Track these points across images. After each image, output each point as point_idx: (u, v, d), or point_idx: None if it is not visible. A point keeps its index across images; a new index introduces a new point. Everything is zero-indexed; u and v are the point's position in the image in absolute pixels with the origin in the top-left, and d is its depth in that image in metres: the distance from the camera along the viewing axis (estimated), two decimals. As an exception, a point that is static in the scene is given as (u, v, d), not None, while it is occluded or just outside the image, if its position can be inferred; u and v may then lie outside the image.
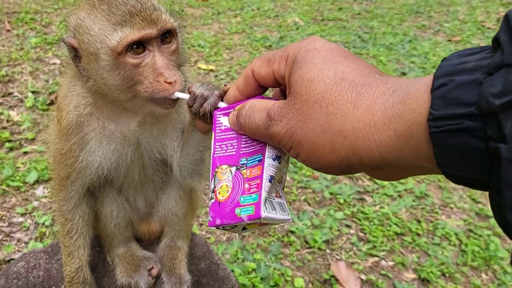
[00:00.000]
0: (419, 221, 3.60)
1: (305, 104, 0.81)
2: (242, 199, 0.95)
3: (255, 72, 0.96)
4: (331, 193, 3.81)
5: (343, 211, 3.63)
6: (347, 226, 3.51)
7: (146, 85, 1.23)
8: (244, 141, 1.00)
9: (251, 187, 0.95)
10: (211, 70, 5.90)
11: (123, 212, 1.69)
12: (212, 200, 0.99)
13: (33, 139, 4.21)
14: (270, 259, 3.14)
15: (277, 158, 0.97)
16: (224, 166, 1.01)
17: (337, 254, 3.25)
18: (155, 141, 1.47)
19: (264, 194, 0.92)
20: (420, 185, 3.97)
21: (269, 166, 0.95)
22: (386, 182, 3.97)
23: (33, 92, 4.94)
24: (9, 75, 5.28)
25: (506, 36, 0.60)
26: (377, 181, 4.00)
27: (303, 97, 0.82)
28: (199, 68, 5.93)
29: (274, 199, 0.97)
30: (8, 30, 6.65)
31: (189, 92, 1.16)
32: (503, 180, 0.58)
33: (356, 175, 4.06)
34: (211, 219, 0.98)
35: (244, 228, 0.99)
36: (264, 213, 0.91)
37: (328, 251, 3.27)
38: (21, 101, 4.82)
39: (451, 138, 0.64)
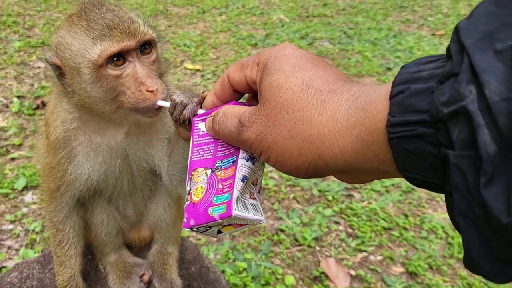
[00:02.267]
0: (406, 216, 3.67)
1: (273, 110, 0.84)
2: (215, 198, 0.97)
3: (230, 77, 0.99)
4: (319, 191, 3.86)
5: (331, 208, 3.68)
6: (336, 222, 3.56)
7: (128, 95, 1.25)
8: (220, 144, 1.03)
9: (224, 187, 0.97)
10: (198, 70, 5.90)
11: (113, 221, 1.72)
12: (187, 202, 1.02)
13: (20, 145, 4.19)
14: (261, 258, 3.17)
15: (251, 159, 0.99)
16: (200, 169, 1.03)
17: (326, 251, 3.30)
18: (142, 151, 1.50)
19: (236, 193, 0.95)
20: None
21: (242, 166, 0.98)
22: (373, 178, 4.03)
23: (18, 97, 4.91)
24: (-7, 80, 5.24)
25: (455, 47, 0.63)
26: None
27: (271, 103, 0.85)
28: (186, 68, 5.93)
29: (247, 200, 0.99)
30: (-9, 34, 6.57)
31: (170, 100, 1.19)
32: (451, 184, 0.61)
33: (344, 171, 4.11)
34: (185, 220, 1.00)
35: (219, 232, 1.01)
36: (235, 211, 0.93)
37: (317, 248, 3.32)
38: (6, 106, 4.79)
39: (407, 144, 0.67)
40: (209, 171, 1.02)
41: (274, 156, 0.86)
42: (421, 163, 0.68)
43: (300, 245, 3.32)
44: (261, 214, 1.00)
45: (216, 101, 1.05)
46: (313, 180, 3.95)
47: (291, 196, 3.79)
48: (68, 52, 1.27)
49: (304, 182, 3.91)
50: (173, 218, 1.77)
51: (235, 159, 0.99)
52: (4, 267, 2.93)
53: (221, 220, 0.95)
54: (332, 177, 4.03)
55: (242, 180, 0.97)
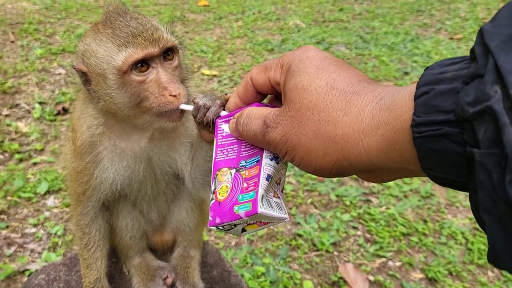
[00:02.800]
0: (425, 221, 3.64)
1: (298, 111, 0.87)
2: (240, 197, 1.00)
3: (253, 79, 1.02)
4: (337, 196, 3.86)
5: (349, 213, 3.67)
6: (354, 227, 3.55)
7: (152, 100, 1.29)
8: (244, 145, 1.06)
9: (249, 185, 1.00)
10: (215, 75, 5.95)
11: (138, 225, 1.75)
12: (212, 201, 1.05)
13: (42, 150, 4.28)
14: (279, 262, 3.18)
15: (275, 158, 1.02)
16: (225, 169, 1.06)
17: (344, 256, 3.30)
18: (165, 156, 1.53)
19: (261, 191, 0.97)
20: (426, 185, 4.01)
21: (266, 165, 1.00)
22: (391, 183, 4.02)
23: (40, 103, 5.01)
24: (15, 86, 5.35)
25: (479, 49, 0.65)
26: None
27: (296, 105, 0.88)
28: (203, 74, 5.99)
29: (271, 198, 1.01)
30: (12, 41, 6.73)
31: (193, 103, 1.22)
32: (477, 182, 0.63)
33: (362, 176, 4.10)
34: (211, 219, 1.03)
35: (243, 230, 1.03)
36: (260, 209, 0.95)
37: (335, 253, 3.32)
38: (29, 112, 4.89)
39: (432, 143, 0.70)
40: (233, 171, 1.05)
41: (299, 156, 0.89)
42: (445, 162, 0.70)
43: (318, 250, 3.32)
44: (285, 212, 1.03)
45: (239, 103, 1.08)
46: (331, 185, 3.95)
47: (309, 201, 3.80)
48: (94, 59, 1.31)
49: (321, 187, 3.92)
50: (195, 222, 1.81)
51: (259, 158, 1.01)
52: (27, 269, 2.99)
53: (246, 218, 0.97)
54: (349, 182, 4.03)
55: (267, 179, 0.99)
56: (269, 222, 1.02)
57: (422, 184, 4.06)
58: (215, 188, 1.05)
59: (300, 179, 4.00)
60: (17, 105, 5.00)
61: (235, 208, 0.99)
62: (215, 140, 1.11)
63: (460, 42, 7.23)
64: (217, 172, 1.07)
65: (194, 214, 1.79)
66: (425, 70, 0.76)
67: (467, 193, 0.71)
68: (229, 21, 8.15)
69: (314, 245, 3.36)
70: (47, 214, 3.50)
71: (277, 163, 1.02)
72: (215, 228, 1.03)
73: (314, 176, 4.05)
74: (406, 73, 6.10)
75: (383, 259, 3.29)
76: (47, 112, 4.82)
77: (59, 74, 5.79)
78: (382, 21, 8.18)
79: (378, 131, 0.78)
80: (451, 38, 7.38)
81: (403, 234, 3.50)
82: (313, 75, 0.88)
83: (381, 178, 0.90)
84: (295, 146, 0.88)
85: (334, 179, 4.04)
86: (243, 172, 1.03)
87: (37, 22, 7.60)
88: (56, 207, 3.59)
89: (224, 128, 1.10)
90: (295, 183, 3.98)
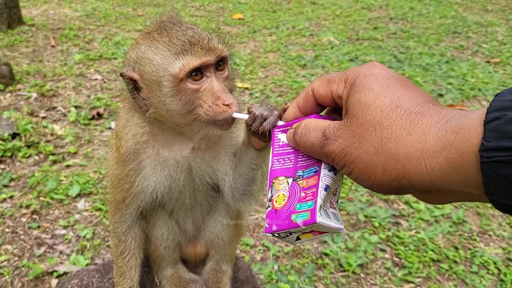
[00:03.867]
0: (456, 248, 3.54)
1: (360, 126, 0.88)
2: (298, 206, 1.01)
3: (315, 91, 1.03)
4: (365, 216, 3.79)
5: (378, 234, 3.60)
6: (382, 250, 3.48)
7: (206, 109, 1.31)
8: (301, 155, 1.07)
9: (307, 195, 1.01)
10: (246, 88, 5.99)
11: (173, 235, 1.76)
12: (269, 208, 1.06)
13: (75, 153, 4.37)
14: (304, 281, 3.14)
15: (333, 169, 1.02)
16: (281, 178, 1.08)
17: (371, 279, 3.23)
18: (207, 166, 1.54)
19: (319, 201, 0.98)
20: (458, 211, 3.90)
21: (325, 176, 1.01)
22: (422, 206, 3.93)
23: (75, 107, 5.14)
24: (53, 89, 5.51)
25: None
26: (413, 205, 3.95)
27: (359, 120, 0.88)
28: (236, 88, 6.02)
29: (328, 209, 1.02)
30: (53, 46, 6.95)
31: (249, 113, 1.23)
32: None
33: (391, 198, 4.03)
34: (267, 226, 1.04)
35: (298, 238, 1.04)
36: (319, 219, 0.96)
37: (362, 275, 3.25)
38: (64, 115, 5.01)
39: (500, 168, 0.69)
40: (290, 180, 1.06)
41: (357, 170, 0.89)
42: None
43: (344, 271, 3.26)
44: (341, 223, 1.03)
45: (298, 113, 1.09)
46: (359, 205, 3.89)
47: (337, 220, 3.74)
48: (149, 66, 1.33)
49: (350, 207, 3.86)
50: (230, 236, 1.80)
51: (317, 169, 1.02)
52: (55, 271, 3.03)
53: (304, 227, 0.98)
54: (379, 203, 3.96)
55: (325, 190, 1.00)
56: (325, 232, 1.02)
57: (454, 209, 3.95)
58: (271, 196, 1.07)
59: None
60: (54, 108, 5.14)
61: (293, 216, 1.00)
62: (271, 149, 1.13)
63: (497, 66, 7.07)
64: (273, 181, 1.09)
65: (229, 228, 1.78)
66: (495, 96, 0.76)
67: (500, 222, 0.69)
68: (263, 35, 8.21)
69: (341, 265, 3.30)
70: (77, 216, 3.56)
71: (335, 174, 1.03)
72: (270, 235, 1.04)
73: (342, 195, 4.00)
74: (441, 95, 5.99)
75: (411, 285, 3.20)
76: (82, 116, 4.93)
77: (95, 79, 5.93)
78: (417, 41, 8.10)
79: (442, 152, 0.78)
80: (488, 62, 7.24)
81: (433, 260, 3.41)
82: (378, 92, 0.88)
83: (438, 199, 0.90)
84: (354, 160, 0.89)
85: (363, 199, 3.98)
86: (301, 181, 1.04)
87: (77, 28, 7.83)
88: (86, 210, 3.64)
89: (281, 137, 1.12)
90: (323, 201, 3.93)
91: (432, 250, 3.48)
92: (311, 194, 1.00)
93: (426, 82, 6.36)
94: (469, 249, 3.55)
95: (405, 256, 3.40)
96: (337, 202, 1.07)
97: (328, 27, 8.84)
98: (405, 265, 3.34)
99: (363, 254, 3.40)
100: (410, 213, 3.87)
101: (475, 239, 3.64)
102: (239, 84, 6.03)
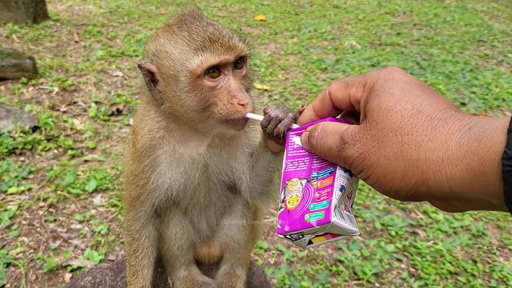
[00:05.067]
0: (475, 261, 3.45)
1: (380, 131, 0.86)
2: (311, 206, 0.98)
3: (332, 94, 1.01)
4: (382, 224, 3.73)
5: (394, 243, 3.54)
6: (398, 260, 3.41)
7: (220, 107, 1.30)
8: (316, 158, 1.04)
9: (322, 195, 0.98)
10: (266, 90, 5.96)
11: (187, 235, 1.74)
12: (282, 209, 1.03)
13: (93, 148, 4.40)
14: (318, 287, 3.09)
15: (349, 171, 0.99)
16: (295, 179, 1.05)
17: (386, 289, 3.17)
18: (224, 164, 1.52)
19: (334, 201, 0.95)
20: (478, 223, 3.81)
21: (340, 176, 0.98)
22: (440, 217, 3.85)
23: (96, 103, 5.18)
24: (75, 84, 5.56)
25: None
26: (432, 215, 3.87)
27: (379, 124, 0.86)
28: (254, 87, 6.01)
29: (343, 211, 0.99)
30: (76, 42, 7.03)
31: (264, 114, 1.21)
32: None
33: (409, 207, 3.96)
34: (279, 227, 1.02)
35: (310, 242, 1.01)
36: (333, 218, 0.93)
37: (377, 284, 3.19)
38: (85, 110, 5.06)
39: None
40: (304, 181, 1.03)
41: (375, 175, 0.87)
42: None
43: (359, 279, 3.21)
44: (356, 227, 0.99)
45: (313, 116, 1.07)
46: (376, 213, 3.83)
47: (353, 226, 3.69)
48: (167, 60, 1.31)
49: (366, 214, 3.80)
50: (245, 240, 1.77)
51: (332, 170, 0.99)
52: (69, 265, 3.05)
53: (318, 227, 0.95)
54: (396, 211, 3.89)
55: (340, 190, 0.97)
56: (338, 235, 0.99)
57: (474, 221, 3.86)
58: (284, 197, 1.05)
59: (345, 203, 3.90)
60: (74, 103, 5.19)
61: (306, 216, 0.97)
62: (285, 152, 1.11)
63: (523, 77, 6.92)
64: (286, 182, 1.06)
65: (245, 231, 1.76)
66: None
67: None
68: (284, 37, 8.18)
69: (355, 273, 3.25)
70: (93, 212, 3.57)
71: (350, 175, 1.00)
72: (282, 236, 1.02)
73: (359, 202, 3.94)
74: (463, 104, 5.88)
75: (427, 297, 3.13)
76: (102, 112, 4.97)
77: (116, 76, 5.98)
78: (441, 49, 7.97)
79: (463, 160, 0.77)
80: (514, 72, 7.08)
81: (450, 272, 3.33)
82: (399, 97, 0.86)
83: (455, 207, 0.88)
84: (372, 165, 0.87)
85: (380, 207, 3.92)
86: (315, 182, 1.01)
87: (101, 24, 7.92)
88: (102, 206, 3.66)
89: (296, 140, 1.10)
90: (339, 207, 3.88)
91: (450, 262, 3.40)
92: (326, 194, 0.97)
93: (449, 90, 6.25)
94: (488, 263, 3.46)
95: (421, 267, 3.33)
96: (351, 206, 1.04)
97: (350, 31, 8.76)
98: (422, 276, 3.26)
99: (379, 263, 3.34)
100: (428, 223, 3.80)
101: (494, 253, 3.55)
102: (259, 86, 6.01)
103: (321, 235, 0.99)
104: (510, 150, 0.70)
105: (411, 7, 11.01)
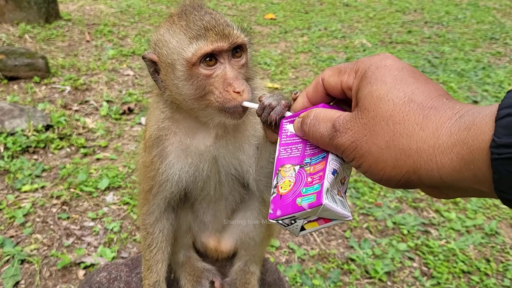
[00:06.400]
0: (488, 260, 3.42)
1: (372, 120, 0.86)
2: (304, 190, 0.98)
3: (325, 80, 1.01)
4: (394, 223, 3.71)
5: (406, 242, 3.52)
6: (410, 258, 3.40)
7: (216, 95, 1.31)
8: (309, 144, 1.04)
9: (314, 179, 0.98)
10: (276, 88, 5.96)
11: (183, 216, 1.75)
12: (274, 195, 1.03)
13: (105, 147, 4.43)
14: (329, 286, 3.09)
15: None
16: (288, 165, 1.05)
17: None
18: (232, 157, 1.53)
19: (326, 183, 0.95)
20: (491, 222, 3.78)
21: (332, 160, 0.98)
22: (453, 216, 3.82)
23: (107, 101, 5.22)
24: (86, 83, 5.61)
25: None
26: (444, 214, 3.85)
27: (370, 113, 0.86)
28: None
29: (335, 195, 0.98)
30: (88, 41, 7.08)
31: (259, 102, 1.21)
32: None
33: (422, 206, 3.94)
34: (271, 212, 1.02)
35: (302, 229, 1.01)
36: (325, 200, 0.92)
37: (389, 283, 3.18)
38: (96, 109, 5.10)
39: (511, 165, 0.69)
40: (297, 167, 1.03)
41: (366, 164, 0.87)
42: None
43: (371, 277, 3.20)
44: (349, 211, 0.99)
45: (306, 103, 1.06)
46: (388, 211, 3.81)
47: (364, 225, 3.68)
48: (165, 49, 1.34)
49: (378, 212, 3.79)
50: (262, 237, 1.78)
51: (325, 155, 0.99)
52: (82, 262, 3.07)
53: (310, 210, 0.95)
54: (408, 210, 3.87)
55: (333, 173, 0.97)
56: (331, 220, 0.98)
57: (487, 220, 3.83)
58: (277, 183, 1.05)
59: (357, 202, 3.89)
60: (86, 102, 5.23)
61: (298, 200, 0.97)
62: (278, 139, 1.11)
63: (537, 74, 6.83)
64: (279, 168, 1.06)
65: (261, 228, 1.76)
66: (507, 92, 0.75)
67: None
68: (295, 35, 8.17)
69: (367, 272, 3.24)
70: (105, 209, 3.60)
71: (343, 160, 0.99)
72: (274, 221, 1.02)
73: (371, 200, 3.93)
74: (476, 102, 5.83)
75: (440, 296, 3.12)
76: (113, 110, 5.00)
77: (128, 75, 6.01)
78: (453, 46, 7.90)
79: (454, 149, 0.77)
80: (527, 69, 7.00)
81: (463, 271, 3.30)
82: (391, 85, 0.86)
83: (446, 194, 0.88)
84: (364, 153, 0.87)
85: (392, 205, 3.90)
86: (308, 168, 1.01)
87: (112, 24, 7.97)
88: (115, 203, 3.69)
89: (289, 128, 1.10)
90: (351, 205, 3.87)
91: (463, 261, 3.38)
92: (318, 178, 0.97)
93: (461, 89, 6.20)
94: (502, 262, 3.43)
95: (434, 266, 3.31)
96: (345, 192, 1.04)
97: (360, 30, 8.72)
98: (434, 275, 3.25)
99: (391, 261, 3.32)
100: (440, 222, 3.77)
101: (508, 252, 3.51)
102: (269, 84, 6.01)
103: (313, 221, 0.98)
104: (498, 138, 0.70)
105: (422, 5, 10.93)
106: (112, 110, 5.03)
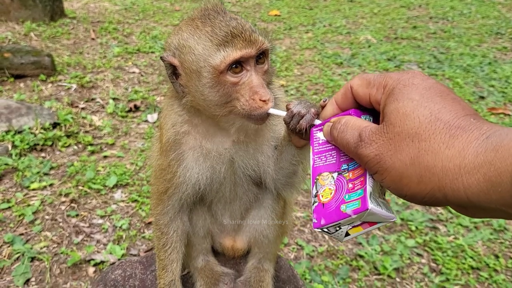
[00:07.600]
0: (497, 256, 3.42)
1: (397, 135, 0.86)
2: (346, 196, 0.99)
3: (353, 88, 1.02)
4: (402, 219, 3.71)
5: (414, 238, 3.51)
6: (419, 255, 3.39)
7: (242, 102, 1.30)
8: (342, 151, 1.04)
9: (355, 185, 0.98)
10: (282, 85, 5.94)
11: (202, 221, 1.75)
12: (315, 204, 1.04)
13: (112, 144, 4.44)
14: (338, 282, 3.09)
15: None
16: (325, 173, 1.05)
17: (407, 284, 3.15)
18: (250, 158, 1.53)
19: (369, 188, 0.95)
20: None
21: None
22: (461, 212, 3.81)
23: (113, 99, 5.23)
24: (92, 81, 5.62)
25: None
26: (452, 210, 3.83)
27: (396, 128, 0.86)
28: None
29: (377, 198, 0.98)
30: (93, 39, 7.09)
31: (287, 110, 1.22)
32: None
33: (429, 202, 3.93)
34: (315, 221, 1.02)
35: (347, 234, 1.01)
36: (370, 205, 0.93)
37: (398, 279, 3.18)
38: (103, 107, 5.10)
39: None
40: (335, 174, 1.04)
41: (390, 179, 0.88)
42: None
43: (379, 274, 3.20)
44: (393, 212, 0.99)
45: (336, 110, 1.07)
46: (396, 208, 3.81)
47: (372, 221, 3.67)
48: (190, 55, 1.32)
49: (386, 209, 3.78)
50: (275, 235, 1.78)
51: None
52: (92, 259, 3.09)
53: (355, 216, 0.95)
54: (415, 206, 3.86)
55: (373, 177, 0.97)
56: (375, 223, 0.99)
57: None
58: (317, 192, 1.05)
59: (364, 198, 3.89)
60: (92, 99, 5.24)
61: (342, 207, 0.98)
62: (311, 148, 1.11)
63: (543, 69, 6.80)
64: (317, 177, 1.07)
65: (274, 226, 1.76)
66: None
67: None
68: (299, 32, 8.15)
69: (376, 268, 3.24)
70: (114, 207, 3.61)
71: None
72: (319, 230, 1.02)
73: (378, 197, 3.92)
74: (482, 97, 5.80)
75: (449, 292, 3.11)
76: (120, 108, 5.01)
77: (133, 72, 6.02)
78: (458, 42, 7.87)
79: (480, 169, 0.76)
80: (533, 64, 6.96)
81: (472, 267, 3.30)
82: (418, 102, 0.86)
83: (473, 214, 0.87)
84: (387, 168, 0.87)
85: (400, 201, 3.90)
86: (346, 174, 1.02)
87: (117, 22, 7.97)
88: (123, 201, 3.70)
89: (320, 136, 1.10)
90: (358, 202, 3.86)
91: (471, 257, 3.37)
92: (360, 183, 0.97)
93: (467, 84, 6.17)
94: (511, 258, 3.42)
95: (442, 262, 3.31)
96: (384, 193, 1.03)
97: (365, 25, 8.69)
98: (443, 271, 3.24)
99: (399, 258, 3.32)
100: (448, 218, 3.77)
101: (517, 248, 3.51)
102: (274, 81, 5.99)
103: (357, 225, 0.99)
104: None
105: (426, 0, 10.88)
106: (118, 107, 5.04)
